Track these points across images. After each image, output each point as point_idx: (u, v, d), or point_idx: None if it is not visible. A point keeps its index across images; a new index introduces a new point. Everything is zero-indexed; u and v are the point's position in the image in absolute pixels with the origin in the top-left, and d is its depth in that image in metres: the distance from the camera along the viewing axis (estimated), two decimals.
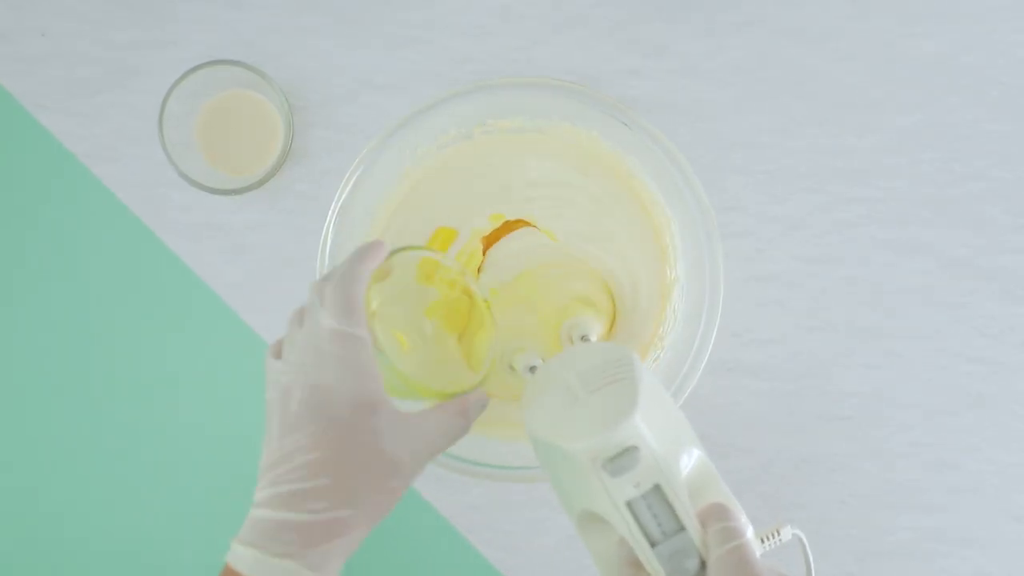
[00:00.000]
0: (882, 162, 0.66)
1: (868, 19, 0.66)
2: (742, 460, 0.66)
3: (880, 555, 0.66)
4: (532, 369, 0.57)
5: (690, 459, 0.44)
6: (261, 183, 0.62)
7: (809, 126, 0.66)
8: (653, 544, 0.42)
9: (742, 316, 0.66)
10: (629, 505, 0.42)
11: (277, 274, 0.66)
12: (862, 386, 0.66)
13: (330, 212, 0.59)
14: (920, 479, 0.66)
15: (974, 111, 0.66)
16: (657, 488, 0.42)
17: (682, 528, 0.42)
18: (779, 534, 0.45)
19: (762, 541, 0.45)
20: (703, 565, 0.41)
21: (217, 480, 0.67)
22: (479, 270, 0.61)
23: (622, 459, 0.42)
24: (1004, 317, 0.66)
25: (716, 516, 0.42)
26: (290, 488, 0.43)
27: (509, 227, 0.62)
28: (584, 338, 0.58)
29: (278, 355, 0.48)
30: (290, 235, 0.66)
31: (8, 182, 0.67)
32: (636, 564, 0.43)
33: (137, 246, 0.67)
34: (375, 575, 0.66)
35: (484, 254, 0.62)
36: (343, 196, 0.58)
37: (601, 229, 0.62)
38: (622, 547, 0.43)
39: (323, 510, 0.43)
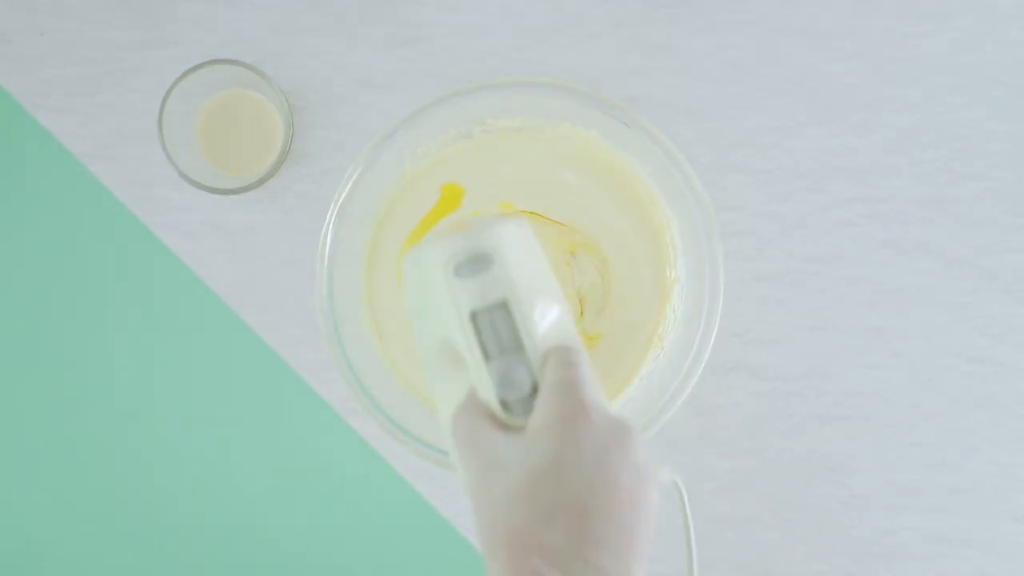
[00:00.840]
0: (883, 161, 0.66)
1: (869, 18, 0.66)
2: (742, 460, 0.65)
3: (880, 556, 0.65)
4: None
5: (548, 310, 0.42)
6: (261, 182, 0.62)
7: (810, 125, 0.66)
8: (488, 359, 0.40)
9: (742, 316, 0.66)
10: (473, 316, 0.40)
11: (277, 274, 0.66)
12: (863, 386, 0.66)
13: (330, 212, 0.59)
14: (921, 479, 0.65)
15: (975, 110, 0.66)
16: (504, 304, 0.40)
17: (521, 347, 0.40)
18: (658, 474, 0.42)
19: None
20: (535, 390, 0.40)
21: (217, 479, 0.67)
22: None
23: (474, 264, 0.41)
24: (1005, 317, 0.66)
25: (559, 351, 0.40)
26: None
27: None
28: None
29: None
30: (290, 235, 0.66)
31: (7, 181, 0.67)
32: (476, 398, 0.40)
33: (136, 246, 0.67)
34: (376, 575, 0.66)
35: None
36: (343, 196, 0.58)
37: (601, 228, 0.62)
38: (469, 400, 0.41)
39: None
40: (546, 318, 0.42)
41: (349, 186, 0.58)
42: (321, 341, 0.58)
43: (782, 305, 0.66)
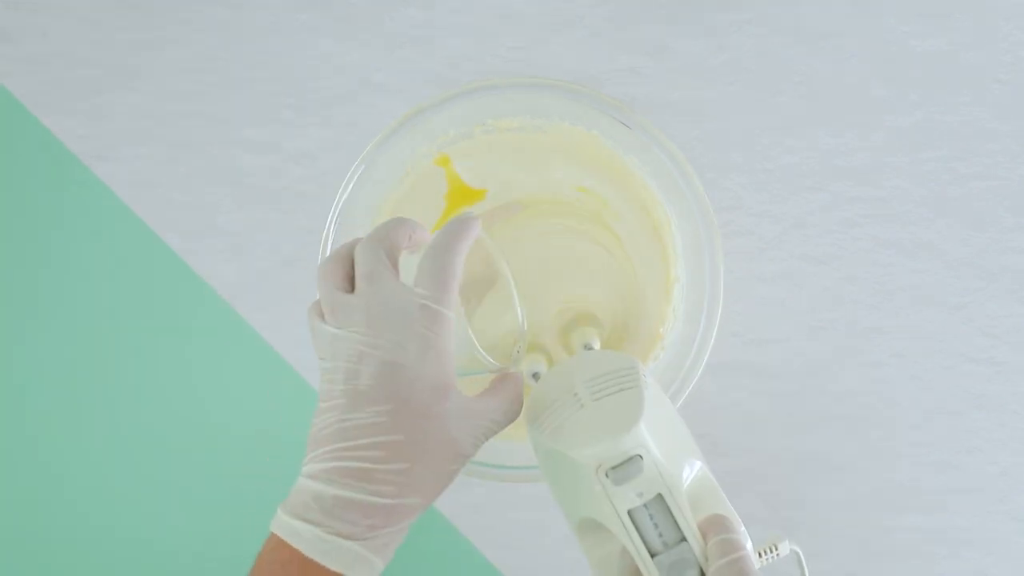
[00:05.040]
0: (883, 161, 0.66)
1: (869, 17, 0.66)
2: (743, 460, 0.65)
3: (881, 555, 0.65)
4: (536, 376, 0.58)
5: (692, 470, 0.44)
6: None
7: (810, 125, 0.66)
8: (654, 554, 0.42)
9: (743, 316, 0.66)
10: (631, 514, 0.42)
11: (278, 274, 0.66)
12: (863, 386, 0.65)
13: (331, 212, 0.59)
14: (921, 479, 0.65)
15: (976, 110, 0.66)
16: (659, 498, 0.42)
17: (683, 539, 0.42)
18: (776, 549, 0.45)
19: (760, 555, 0.45)
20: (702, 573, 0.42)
21: (219, 479, 0.67)
22: None
23: (626, 468, 0.42)
24: (1007, 317, 0.65)
25: (716, 528, 0.42)
26: (360, 466, 0.40)
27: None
28: (587, 346, 0.59)
29: (323, 316, 0.44)
30: (291, 235, 0.66)
31: (9, 182, 0.67)
32: (636, 574, 0.43)
33: (138, 246, 0.67)
34: None
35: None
36: (344, 196, 0.58)
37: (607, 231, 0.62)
38: (623, 557, 0.43)
39: (393, 495, 0.41)
40: (691, 477, 0.44)
41: (350, 186, 0.58)
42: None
43: (782, 305, 0.66)
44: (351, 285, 0.44)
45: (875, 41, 0.66)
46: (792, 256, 0.66)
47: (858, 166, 0.66)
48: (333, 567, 0.40)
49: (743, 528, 0.43)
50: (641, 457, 0.42)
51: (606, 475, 0.42)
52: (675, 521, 0.42)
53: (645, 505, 0.42)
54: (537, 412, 0.47)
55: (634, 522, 0.42)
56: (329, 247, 0.58)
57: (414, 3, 0.66)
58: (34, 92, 0.66)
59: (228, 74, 0.66)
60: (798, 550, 0.46)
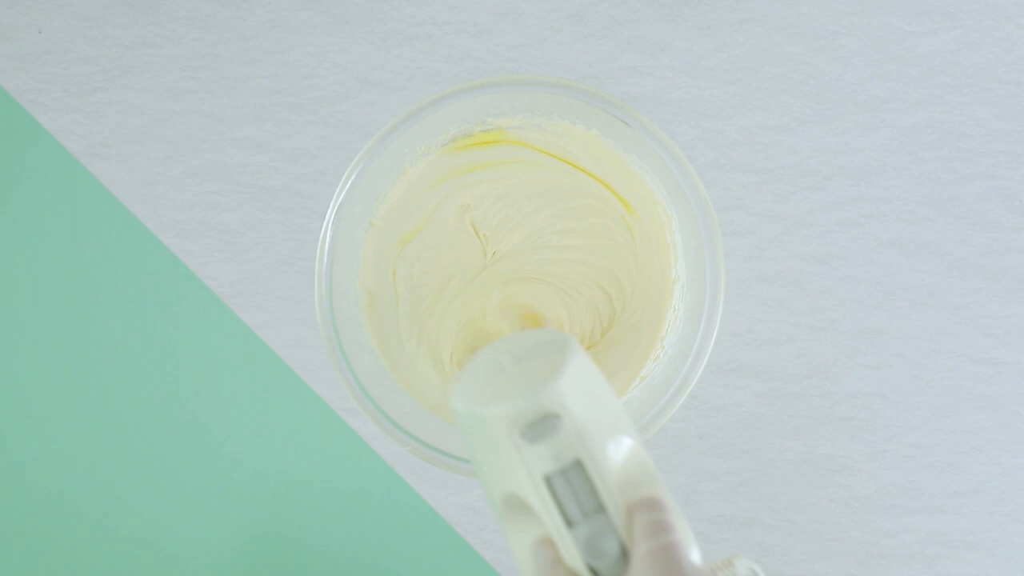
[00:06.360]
0: (885, 161, 0.65)
1: (870, 16, 0.65)
2: (743, 460, 0.65)
3: (882, 557, 0.65)
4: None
5: (620, 447, 0.41)
6: None
7: (811, 124, 0.65)
8: (570, 525, 0.39)
9: (743, 316, 0.65)
10: (547, 480, 0.39)
11: (275, 273, 0.66)
12: (864, 387, 0.65)
13: (328, 211, 0.58)
14: (923, 481, 0.65)
15: (978, 109, 0.65)
16: (578, 464, 0.39)
17: (603, 508, 0.39)
18: (733, 566, 0.42)
19: (714, 574, 0.42)
20: (624, 553, 0.38)
21: (216, 479, 0.66)
22: None
23: (541, 426, 0.39)
24: (1008, 317, 0.65)
25: (646, 507, 0.38)
26: None
27: None
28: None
29: None
30: (288, 234, 0.66)
31: (3, 180, 0.67)
32: (561, 562, 0.39)
33: (134, 245, 0.66)
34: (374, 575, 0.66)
35: None
36: (342, 195, 0.58)
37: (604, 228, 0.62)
38: (543, 546, 0.40)
39: None
40: (619, 453, 0.40)
41: (348, 185, 0.58)
42: (321, 341, 0.58)
43: (783, 305, 0.65)
44: None
45: (876, 40, 0.65)
46: (792, 256, 0.65)
47: (859, 166, 0.65)
48: None
49: (682, 516, 0.39)
50: (559, 416, 0.39)
51: (520, 434, 0.39)
52: (595, 489, 0.39)
53: (562, 471, 0.39)
54: (458, 381, 0.45)
55: (550, 489, 0.39)
56: (327, 246, 0.58)
57: (413, 1, 0.66)
58: (29, 89, 0.66)
59: (225, 72, 0.66)
60: (757, 569, 0.44)
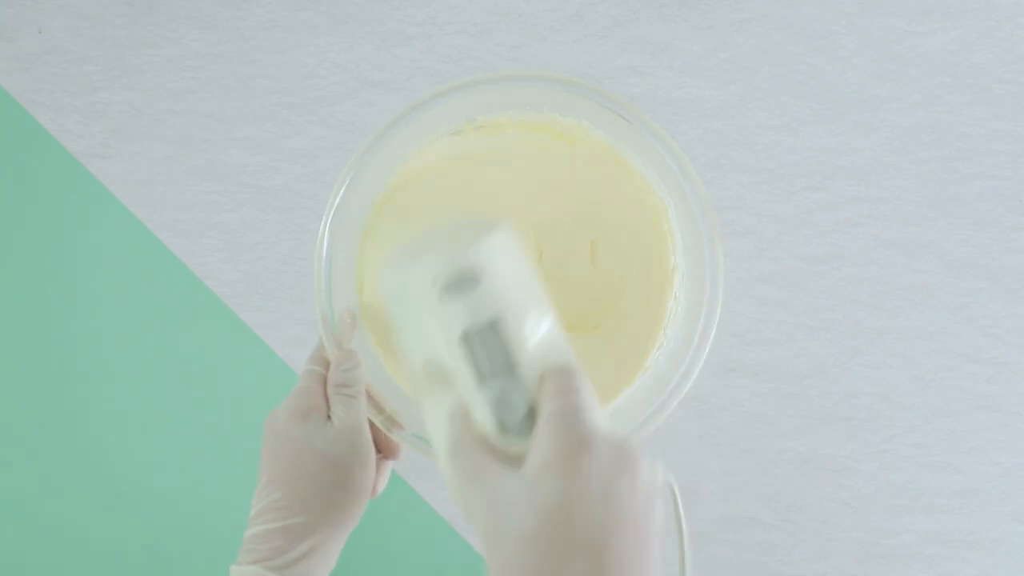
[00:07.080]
0: (885, 161, 0.65)
1: (870, 16, 0.65)
2: (743, 460, 0.65)
3: (882, 557, 0.65)
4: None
5: (538, 324, 0.41)
6: None
7: (811, 124, 0.65)
8: (483, 381, 0.39)
9: (743, 316, 0.65)
10: (464, 338, 0.39)
11: (275, 272, 0.66)
12: (864, 387, 0.65)
13: (327, 210, 0.58)
14: (923, 481, 0.65)
15: (977, 109, 0.65)
16: (494, 324, 0.39)
17: (514, 367, 0.39)
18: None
19: None
20: (532, 413, 0.39)
21: (215, 479, 0.66)
22: None
23: (461, 284, 0.40)
24: (1008, 317, 0.65)
25: (556, 372, 0.39)
26: (256, 509, 0.49)
27: None
28: None
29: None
30: (287, 233, 0.66)
31: (4, 180, 0.67)
32: (471, 429, 0.40)
33: (134, 244, 0.66)
34: (371, 574, 0.66)
35: None
36: (340, 194, 0.58)
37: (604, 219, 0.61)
38: (455, 415, 0.40)
39: (278, 519, 0.48)
40: (537, 332, 0.41)
41: (346, 184, 0.58)
42: (320, 339, 0.58)
43: (783, 305, 0.65)
44: None
45: (876, 40, 0.65)
46: (793, 256, 0.65)
47: (859, 166, 0.65)
48: None
49: (590, 385, 0.40)
50: (478, 279, 0.40)
51: (441, 291, 0.40)
52: (508, 349, 0.39)
53: (479, 332, 0.39)
54: (391, 254, 0.45)
55: (467, 347, 0.39)
56: (326, 245, 0.58)
57: (413, 1, 0.66)
58: (30, 89, 0.66)
59: (226, 72, 0.66)
60: (673, 484, 0.43)
